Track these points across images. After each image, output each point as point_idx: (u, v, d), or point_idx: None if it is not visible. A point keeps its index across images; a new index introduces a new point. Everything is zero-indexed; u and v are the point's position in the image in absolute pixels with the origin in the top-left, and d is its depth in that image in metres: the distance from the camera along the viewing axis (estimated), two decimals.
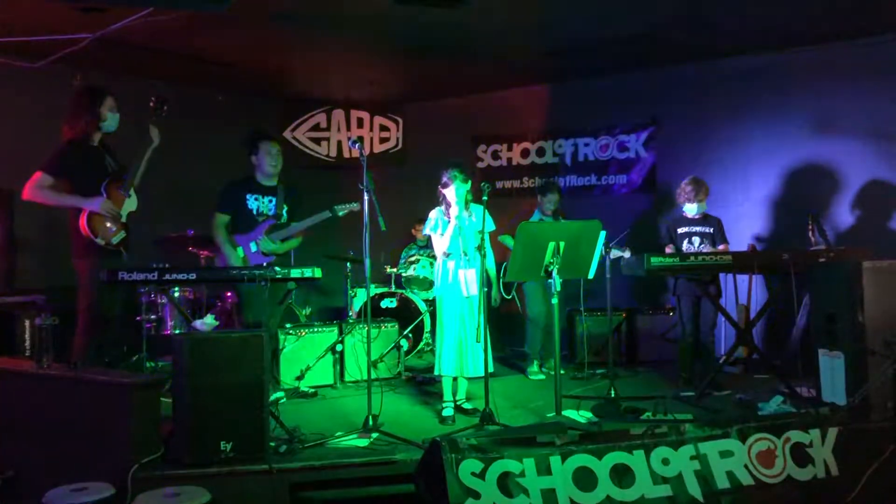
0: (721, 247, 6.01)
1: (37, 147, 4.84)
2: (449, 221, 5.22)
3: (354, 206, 5.47)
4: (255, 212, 5.45)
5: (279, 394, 5.63)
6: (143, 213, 5.19)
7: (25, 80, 6.82)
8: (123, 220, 4.81)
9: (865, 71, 6.83)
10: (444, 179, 5.25)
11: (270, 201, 5.51)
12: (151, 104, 5.03)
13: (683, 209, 6.17)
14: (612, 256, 5.87)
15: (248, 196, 5.46)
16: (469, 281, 5.15)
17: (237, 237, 5.43)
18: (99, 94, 4.82)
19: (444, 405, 5.24)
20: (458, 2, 5.65)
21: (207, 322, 6.05)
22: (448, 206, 5.27)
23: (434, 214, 5.32)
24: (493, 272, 5.36)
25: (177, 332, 6.17)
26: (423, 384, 6.33)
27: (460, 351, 5.14)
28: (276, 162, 5.51)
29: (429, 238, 5.49)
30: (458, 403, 5.28)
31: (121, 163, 4.98)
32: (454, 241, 5.21)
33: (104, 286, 4.55)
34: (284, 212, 5.56)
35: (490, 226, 5.01)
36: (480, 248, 5.08)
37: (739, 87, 7.49)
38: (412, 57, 7.53)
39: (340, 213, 5.56)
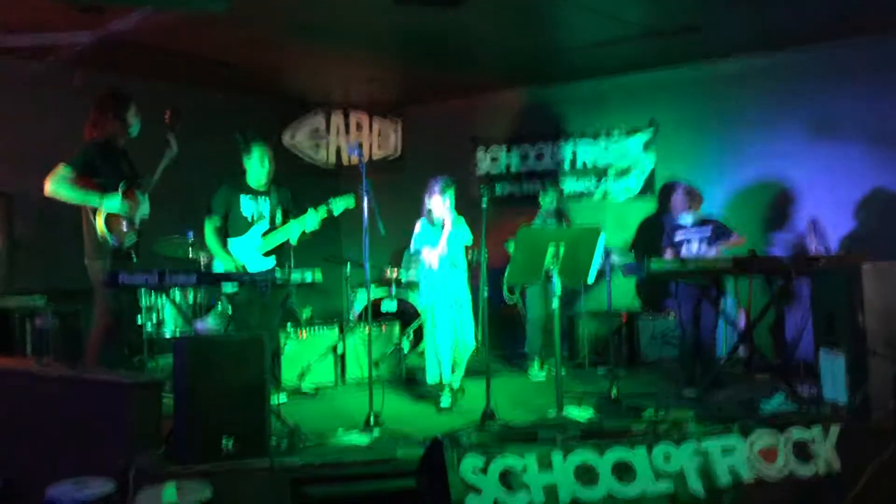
0: (734, 238, 6.03)
1: (36, 147, 4.86)
2: (437, 231, 5.29)
3: (350, 203, 5.42)
4: (249, 217, 5.43)
5: (282, 398, 5.62)
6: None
7: (25, 80, 6.83)
8: (136, 224, 4.83)
9: (865, 71, 6.83)
10: (435, 188, 5.31)
11: (265, 203, 5.49)
12: (167, 118, 5.02)
13: (680, 218, 6.21)
14: (611, 262, 5.91)
15: (241, 198, 5.43)
16: (456, 288, 5.25)
17: (232, 241, 5.41)
18: (125, 100, 4.91)
19: (441, 399, 5.36)
20: (458, 3, 5.67)
21: (208, 323, 6.08)
22: (432, 216, 5.34)
23: (419, 229, 5.38)
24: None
25: (178, 333, 6.16)
26: (424, 384, 6.32)
27: (453, 352, 5.23)
28: (269, 167, 5.47)
29: None
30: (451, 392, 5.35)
31: (136, 168, 5.02)
32: (444, 249, 5.28)
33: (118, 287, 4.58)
34: (279, 214, 5.53)
35: (467, 237, 5.12)
36: (472, 255, 5.18)
37: (739, 90, 7.49)
38: (412, 58, 7.55)
39: (336, 212, 5.45)
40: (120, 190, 4.69)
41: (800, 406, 4.74)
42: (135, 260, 4.81)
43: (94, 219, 4.64)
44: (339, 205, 5.42)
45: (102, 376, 4.09)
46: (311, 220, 5.37)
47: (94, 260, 4.71)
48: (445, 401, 5.28)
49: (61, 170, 4.61)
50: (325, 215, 5.43)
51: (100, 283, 4.68)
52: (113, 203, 4.64)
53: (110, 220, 4.65)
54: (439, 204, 5.32)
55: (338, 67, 7.85)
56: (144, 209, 4.89)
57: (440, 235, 5.31)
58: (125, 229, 4.72)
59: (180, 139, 5.06)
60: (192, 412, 3.86)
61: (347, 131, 9.33)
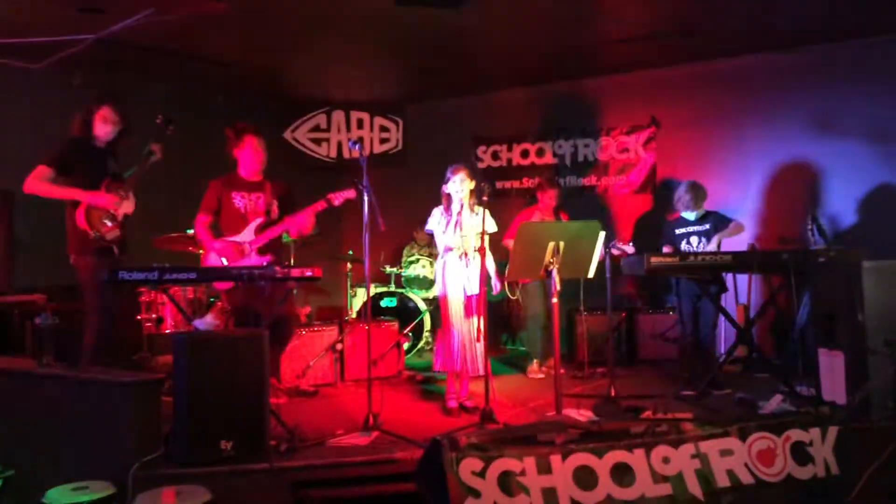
0: (732, 225, 6.01)
1: (37, 147, 4.88)
2: (451, 218, 5.25)
3: (350, 195, 5.22)
4: (242, 210, 5.27)
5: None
6: (143, 213, 5.19)
7: (26, 80, 6.82)
8: (119, 220, 4.83)
9: (865, 71, 6.83)
10: (448, 175, 5.29)
11: (258, 198, 5.31)
12: (158, 122, 5.02)
13: (682, 214, 6.19)
14: (615, 252, 5.88)
15: (233, 194, 5.27)
16: (469, 279, 5.17)
17: (228, 238, 5.28)
18: (94, 105, 4.88)
19: (447, 399, 5.31)
20: (459, 3, 5.66)
21: (208, 321, 6.07)
22: (450, 203, 5.31)
23: (435, 212, 5.36)
24: (491, 269, 5.38)
25: (177, 331, 6.16)
26: (424, 383, 6.33)
27: (461, 349, 5.17)
28: (262, 156, 5.33)
29: (429, 238, 5.50)
30: (459, 401, 5.31)
31: (123, 166, 5.02)
32: (457, 238, 5.24)
33: (107, 284, 4.59)
34: (274, 208, 5.36)
35: (491, 227, 5.04)
36: (482, 248, 5.13)
37: (739, 88, 7.49)
38: (413, 57, 7.54)
39: (336, 203, 5.30)
40: (102, 186, 4.73)
41: (799, 406, 4.73)
42: (116, 254, 4.81)
43: (75, 214, 4.69)
44: (339, 196, 5.27)
45: (101, 375, 4.08)
46: (306, 216, 5.26)
47: (78, 255, 4.75)
48: (451, 403, 5.28)
49: (39, 169, 4.67)
50: (325, 207, 5.30)
51: (88, 280, 4.72)
52: (95, 197, 4.69)
53: (91, 214, 4.69)
54: (455, 188, 5.29)
55: (339, 67, 7.83)
56: (128, 206, 4.89)
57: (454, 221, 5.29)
58: (106, 223, 4.74)
59: (181, 139, 5.06)
60: (192, 411, 3.87)
61: (348, 128, 9.32)
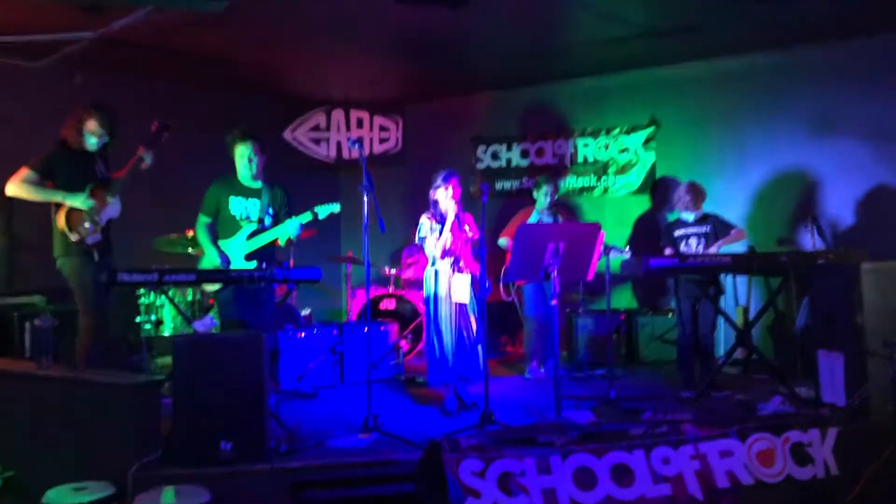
0: (733, 233, 6.02)
1: (36, 147, 4.89)
2: (441, 225, 5.24)
3: (335, 209, 5.17)
4: (238, 217, 5.15)
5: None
6: (142, 213, 5.18)
7: (25, 79, 6.81)
8: (101, 224, 4.83)
9: (865, 71, 6.82)
10: (439, 181, 5.28)
11: (254, 205, 5.19)
12: (153, 128, 5.01)
13: (681, 215, 6.19)
14: (611, 257, 5.88)
15: (230, 198, 5.16)
16: (461, 286, 5.18)
17: (221, 243, 5.16)
18: (82, 114, 4.88)
19: (446, 401, 5.31)
20: (459, 2, 5.66)
21: (207, 323, 6.07)
22: (437, 209, 5.30)
23: (424, 219, 5.33)
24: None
25: (177, 333, 6.16)
26: (423, 385, 6.32)
27: (456, 355, 5.17)
28: (252, 165, 5.17)
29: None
30: (459, 400, 5.32)
31: (113, 172, 5.02)
32: (450, 246, 5.24)
33: (97, 285, 4.62)
34: (269, 215, 5.24)
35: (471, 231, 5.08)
36: (476, 254, 5.13)
37: (739, 87, 7.49)
38: (412, 57, 7.53)
39: (321, 216, 5.17)
40: (86, 189, 4.75)
41: (798, 408, 4.73)
42: (96, 258, 4.78)
43: (56, 215, 4.71)
44: (324, 210, 5.16)
45: (101, 377, 4.09)
46: (291, 226, 5.09)
47: (63, 257, 4.78)
48: (451, 405, 5.27)
49: (23, 172, 4.71)
50: (310, 218, 5.15)
51: (75, 282, 4.76)
52: (75, 199, 4.70)
53: (71, 216, 4.70)
54: (444, 196, 5.28)
55: (339, 66, 7.83)
56: (113, 210, 4.89)
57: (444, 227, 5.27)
58: (87, 227, 4.74)
59: (180, 139, 5.05)
60: (191, 412, 3.87)
61: (348, 127, 9.32)
